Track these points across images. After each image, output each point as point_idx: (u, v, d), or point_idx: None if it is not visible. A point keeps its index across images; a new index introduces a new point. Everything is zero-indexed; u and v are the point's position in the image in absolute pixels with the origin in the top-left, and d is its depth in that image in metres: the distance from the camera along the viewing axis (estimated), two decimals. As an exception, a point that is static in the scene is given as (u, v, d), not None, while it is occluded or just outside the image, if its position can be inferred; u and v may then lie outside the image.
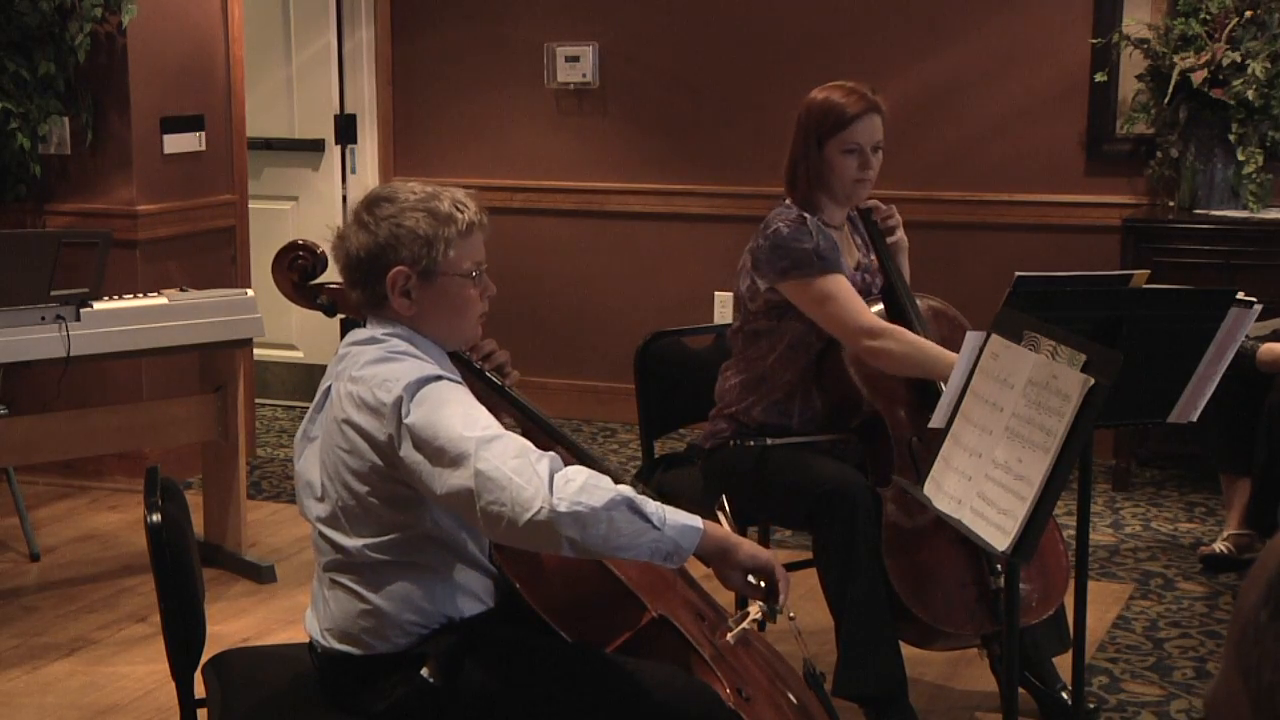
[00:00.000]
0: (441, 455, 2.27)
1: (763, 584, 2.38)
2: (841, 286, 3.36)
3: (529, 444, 2.29)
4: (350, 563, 2.44)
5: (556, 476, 2.23)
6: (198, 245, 5.63)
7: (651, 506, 2.27)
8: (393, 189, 2.51)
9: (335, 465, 2.42)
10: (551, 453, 2.29)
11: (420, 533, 2.41)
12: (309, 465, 2.50)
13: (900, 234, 3.60)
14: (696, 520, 2.31)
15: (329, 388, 2.48)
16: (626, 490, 2.26)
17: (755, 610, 2.49)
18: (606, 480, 2.26)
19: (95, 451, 4.91)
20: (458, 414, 2.30)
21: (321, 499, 2.46)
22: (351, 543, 2.42)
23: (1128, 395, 2.68)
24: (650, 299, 6.28)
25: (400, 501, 2.39)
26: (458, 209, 2.47)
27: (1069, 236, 5.72)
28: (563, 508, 2.19)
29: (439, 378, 2.37)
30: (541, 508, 2.19)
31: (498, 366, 2.69)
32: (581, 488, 2.21)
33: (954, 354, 3.25)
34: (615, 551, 2.26)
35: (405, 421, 2.30)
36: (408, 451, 2.31)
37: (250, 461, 5.65)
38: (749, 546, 2.37)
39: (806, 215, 3.42)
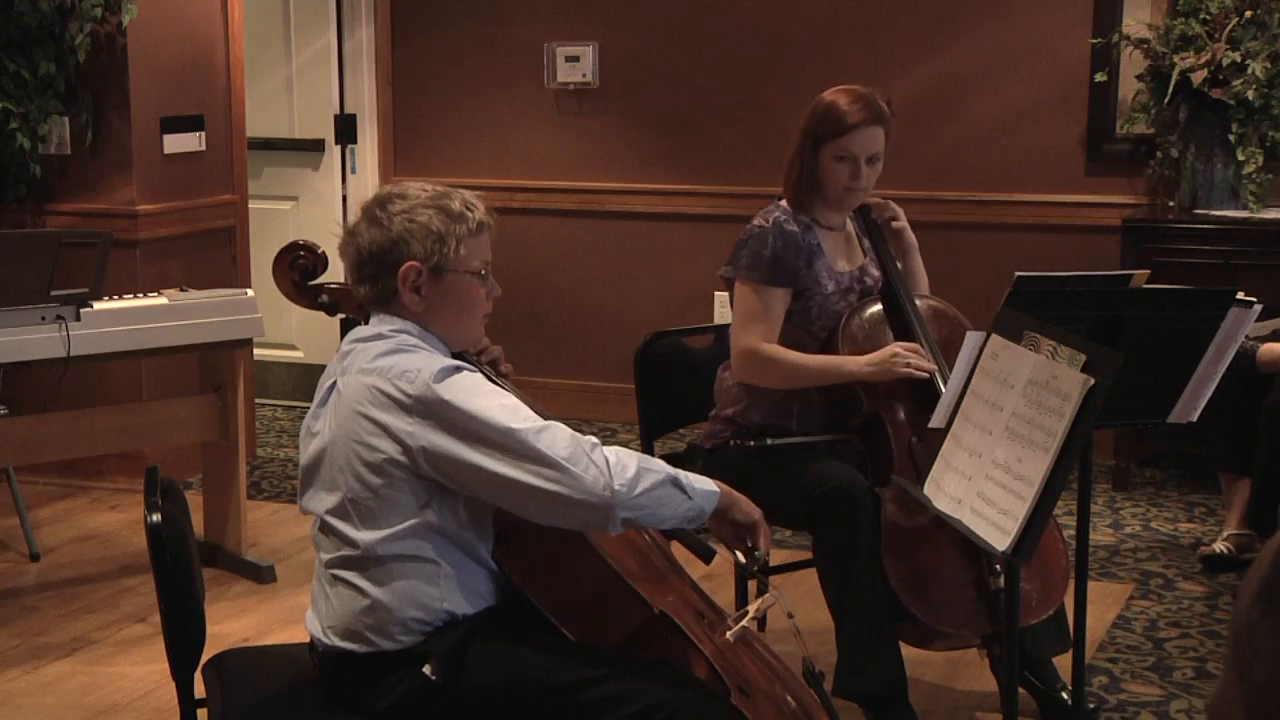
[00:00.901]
0: (485, 444, 2.33)
1: (747, 540, 2.55)
2: (762, 302, 3.42)
3: (574, 431, 2.38)
4: (354, 558, 2.44)
5: (612, 462, 2.34)
6: (198, 245, 5.64)
7: (683, 478, 2.43)
8: (403, 188, 2.54)
9: (348, 457, 2.42)
10: (594, 436, 2.38)
11: (428, 527, 2.42)
12: (313, 460, 2.50)
13: (908, 233, 3.60)
14: (712, 483, 2.48)
15: (332, 384, 2.49)
16: (668, 467, 2.41)
17: (755, 609, 2.50)
18: (651, 459, 2.42)
19: (95, 451, 4.91)
20: (495, 404, 2.36)
21: (330, 492, 2.46)
22: (360, 536, 2.43)
23: (1128, 395, 2.68)
24: (650, 299, 6.28)
25: (414, 493, 2.40)
26: (468, 208, 2.50)
27: (1069, 236, 5.72)
28: (624, 493, 2.32)
29: (459, 368, 2.40)
30: (604, 494, 2.32)
31: (492, 361, 2.70)
32: (637, 473, 2.35)
33: (823, 358, 3.42)
34: (658, 523, 2.45)
35: (438, 405, 2.33)
36: (440, 440, 2.33)
37: (250, 461, 5.65)
38: (744, 503, 2.54)
39: (784, 219, 3.43)
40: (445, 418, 2.33)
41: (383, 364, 2.40)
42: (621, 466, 2.34)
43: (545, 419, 2.41)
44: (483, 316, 2.57)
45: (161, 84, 5.44)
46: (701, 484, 2.45)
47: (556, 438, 2.34)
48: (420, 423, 2.34)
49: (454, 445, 2.33)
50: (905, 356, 3.33)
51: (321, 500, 2.48)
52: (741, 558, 2.58)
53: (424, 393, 2.34)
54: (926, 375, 3.32)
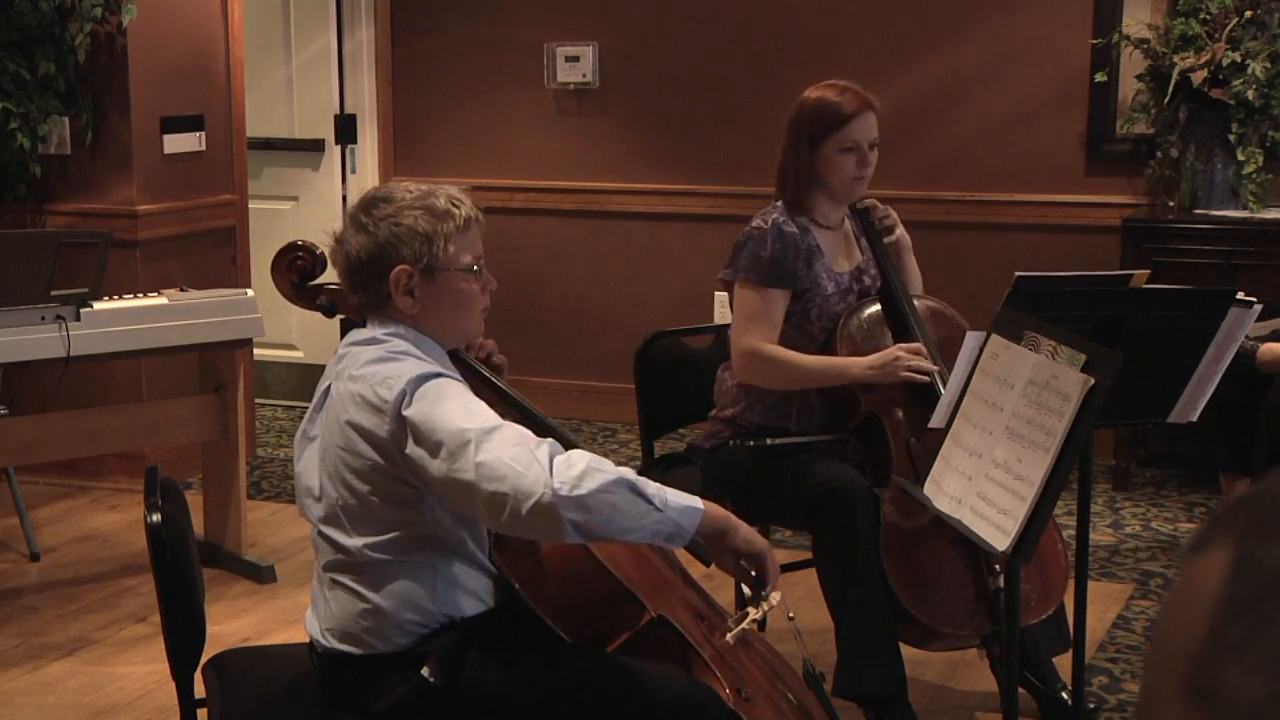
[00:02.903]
0: (440, 448, 2.28)
1: (754, 572, 2.39)
2: (762, 303, 3.41)
3: (528, 432, 2.29)
4: (351, 562, 2.44)
5: (557, 461, 2.23)
6: (198, 245, 5.63)
7: (652, 488, 2.27)
8: (388, 190, 2.53)
9: (336, 464, 2.42)
10: (551, 439, 2.30)
11: (421, 531, 2.42)
12: (309, 465, 2.50)
13: (901, 232, 3.61)
14: (697, 501, 2.32)
15: (328, 387, 2.49)
16: (628, 472, 2.26)
17: (755, 611, 2.49)
18: (608, 463, 2.26)
19: (95, 451, 4.91)
20: (457, 408, 2.31)
21: (321, 498, 2.46)
22: (352, 542, 2.43)
23: (1128, 395, 2.68)
24: (650, 299, 6.28)
25: (401, 500, 2.39)
26: (454, 205, 2.48)
27: (1069, 236, 5.72)
28: (565, 491, 2.19)
29: (439, 374, 2.39)
30: (544, 493, 2.19)
31: (487, 356, 2.70)
32: (583, 472, 2.22)
33: (824, 359, 3.41)
34: (619, 534, 2.26)
35: (405, 414, 2.31)
36: (411, 447, 2.32)
37: (250, 461, 5.65)
38: (746, 531, 2.37)
39: (783, 220, 3.43)
40: (412, 425, 2.31)
41: (367, 371, 2.39)
42: (567, 464, 2.22)
43: (543, 423, 2.40)
44: (481, 311, 2.56)
45: (161, 84, 5.44)
46: (678, 498, 2.29)
47: (505, 438, 2.26)
48: (395, 428, 2.34)
49: (418, 451, 2.31)
50: (906, 359, 3.33)
51: (314, 507, 2.48)
52: (746, 590, 2.44)
53: (398, 399, 2.33)
54: (927, 380, 3.32)
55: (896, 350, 3.36)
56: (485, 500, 2.24)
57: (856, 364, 3.38)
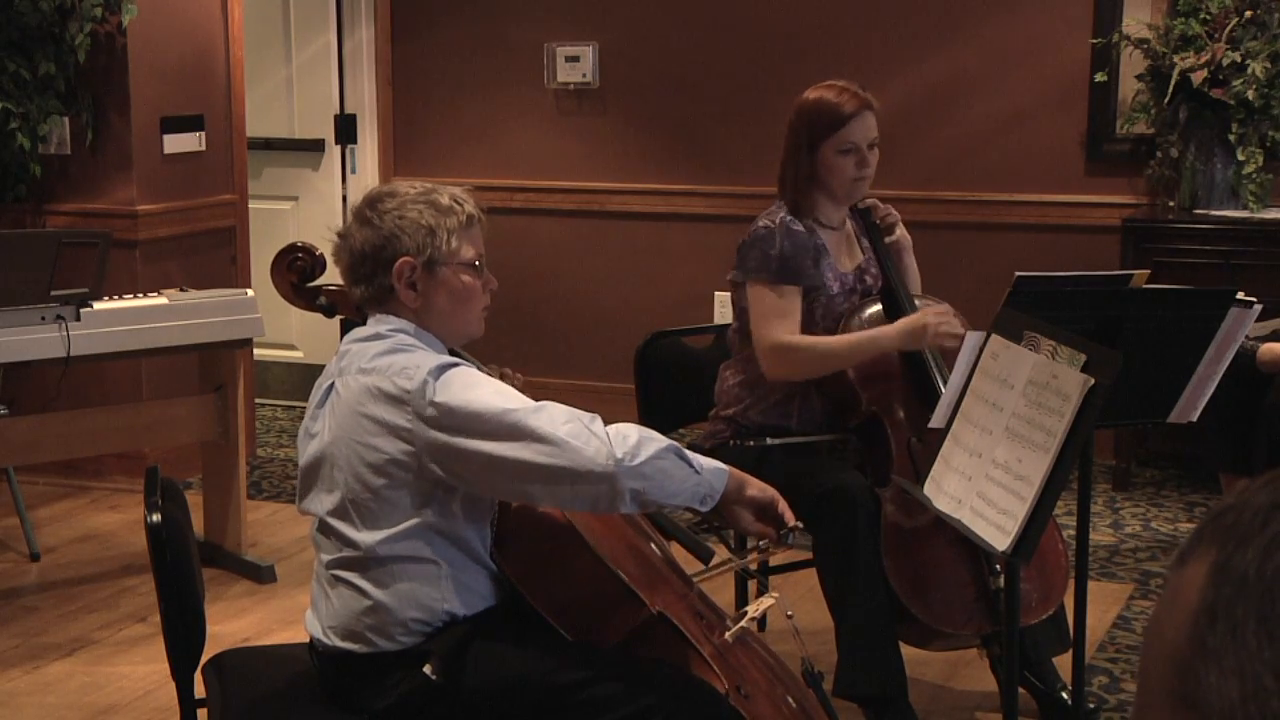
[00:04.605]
0: (485, 430, 2.33)
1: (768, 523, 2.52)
2: (779, 299, 3.39)
3: (573, 408, 2.38)
4: (356, 559, 2.44)
5: (613, 434, 2.33)
6: (198, 245, 5.64)
7: (687, 452, 2.41)
8: (392, 187, 2.57)
9: (349, 458, 2.42)
10: (596, 414, 2.37)
11: (428, 527, 2.42)
12: (312, 461, 2.50)
13: (901, 231, 3.60)
14: (720, 463, 2.46)
15: (330, 385, 2.49)
16: (670, 440, 2.39)
17: (754, 609, 2.50)
18: (652, 432, 2.38)
19: (95, 451, 4.91)
20: (489, 392, 2.37)
21: (330, 493, 2.46)
22: (361, 537, 2.43)
23: (1128, 395, 2.68)
24: (650, 299, 6.28)
25: (414, 494, 2.41)
26: (457, 202, 2.52)
27: (1069, 236, 5.72)
28: (627, 461, 2.31)
29: (457, 363, 2.43)
30: (606, 465, 2.30)
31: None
32: (639, 441, 2.34)
33: (852, 336, 3.37)
34: (666, 499, 2.39)
35: (434, 401, 2.34)
36: (437, 434, 2.34)
37: (250, 461, 5.64)
38: (757, 482, 2.52)
39: (790, 219, 3.43)
40: (444, 412, 2.34)
41: (381, 363, 2.41)
42: (622, 436, 2.34)
43: None
44: (481, 310, 2.58)
45: (161, 84, 5.44)
46: (708, 462, 2.44)
47: (554, 415, 2.35)
48: (421, 418, 2.35)
49: (455, 438, 2.34)
50: (935, 324, 3.31)
51: (322, 501, 2.49)
52: (771, 539, 2.54)
53: (422, 388, 2.35)
54: (958, 341, 3.27)
55: (925, 317, 3.33)
56: (543, 475, 2.32)
57: (886, 334, 3.34)
